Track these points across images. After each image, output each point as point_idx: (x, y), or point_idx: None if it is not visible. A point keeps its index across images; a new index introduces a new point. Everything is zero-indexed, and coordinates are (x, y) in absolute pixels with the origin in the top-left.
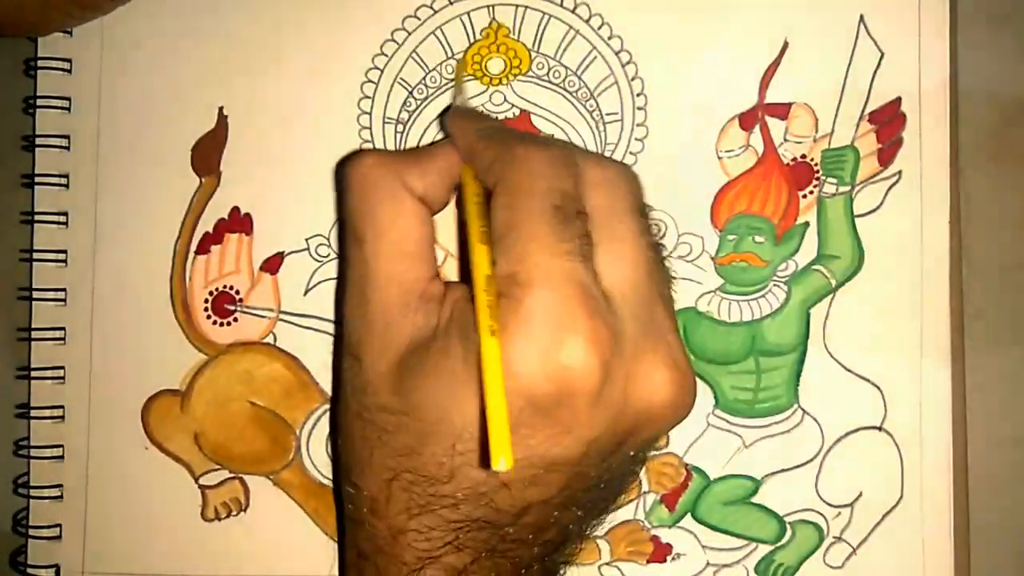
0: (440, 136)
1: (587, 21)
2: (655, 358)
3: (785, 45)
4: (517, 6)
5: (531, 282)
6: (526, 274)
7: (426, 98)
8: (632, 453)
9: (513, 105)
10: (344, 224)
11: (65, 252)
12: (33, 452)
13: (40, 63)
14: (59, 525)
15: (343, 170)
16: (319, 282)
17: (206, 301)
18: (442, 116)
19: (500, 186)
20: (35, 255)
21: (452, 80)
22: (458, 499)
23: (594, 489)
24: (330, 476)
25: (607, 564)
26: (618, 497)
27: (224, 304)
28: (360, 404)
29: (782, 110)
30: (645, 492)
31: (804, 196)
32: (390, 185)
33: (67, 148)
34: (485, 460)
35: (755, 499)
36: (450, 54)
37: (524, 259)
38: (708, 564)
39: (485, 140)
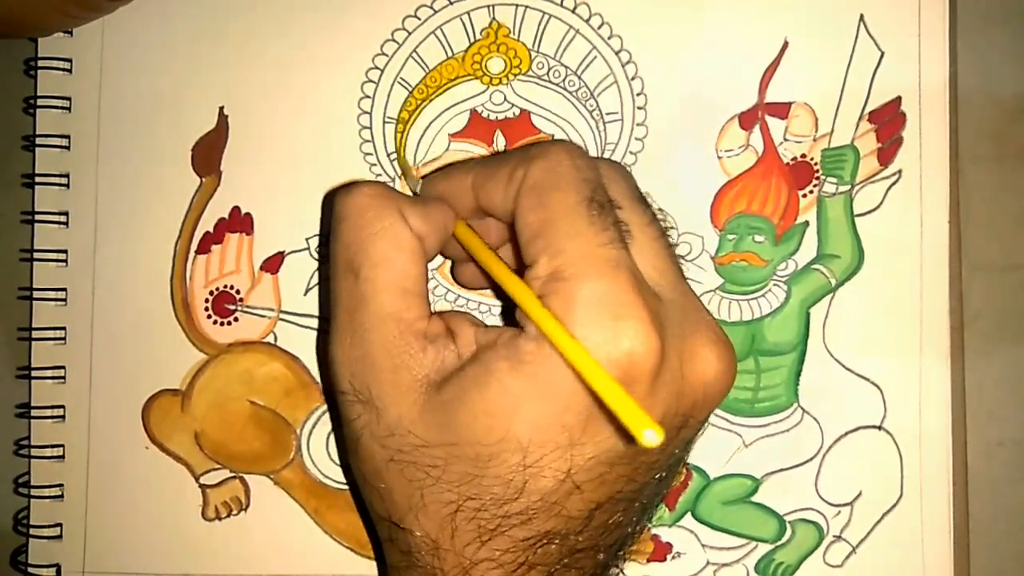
0: (441, 137)
1: (587, 21)
2: (701, 336)
3: (785, 44)
4: (517, 6)
5: (579, 274)
6: (572, 267)
7: (426, 98)
8: (688, 438)
9: (513, 105)
10: (330, 257)
11: (65, 252)
12: (33, 452)
13: (40, 63)
14: (60, 525)
15: (335, 199)
16: (319, 282)
17: (206, 301)
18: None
19: (525, 189)
20: (35, 255)
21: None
22: (529, 514)
23: (654, 481)
24: (331, 476)
25: None
26: (668, 489)
27: (224, 304)
28: (389, 450)
29: (782, 109)
30: None
31: (804, 196)
32: (391, 217)
33: (67, 148)
34: (629, 440)
35: (755, 498)
36: (450, 54)
37: (567, 253)
38: (708, 563)
39: (493, 162)
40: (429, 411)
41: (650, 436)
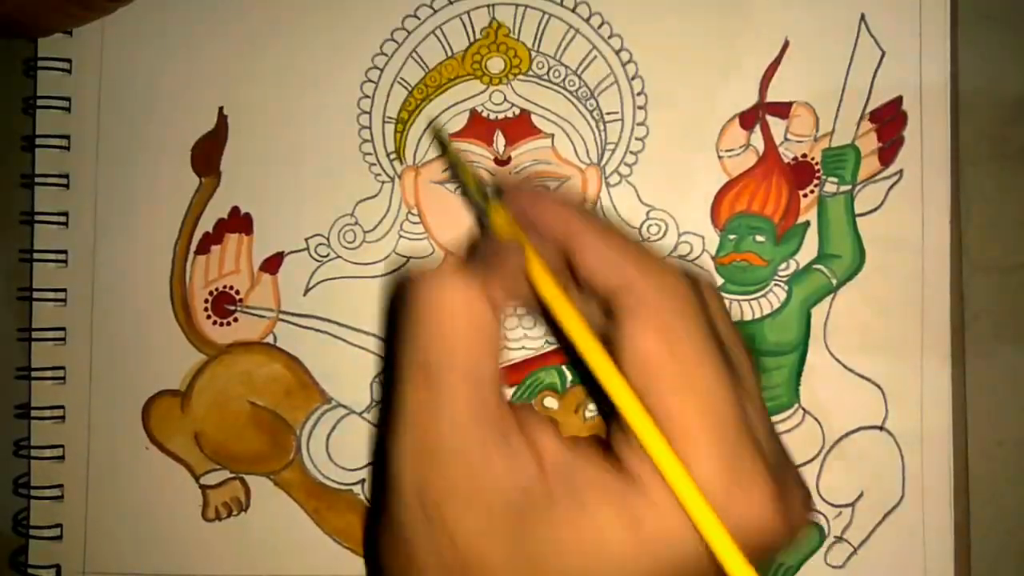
0: (441, 136)
1: (587, 20)
2: (796, 499)
3: (785, 44)
4: (517, 5)
5: (702, 429)
6: (695, 420)
7: (426, 98)
8: None
9: (513, 105)
10: (401, 351)
11: (65, 252)
12: (33, 452)
13: (40, 63)
14: (59, 525)
15: (413, 287)
16: (319, 282)
17: (206, 301)
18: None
19: (646, 311)
20: (35, 255)
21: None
22: None
23: None
24: (330, 477)
25: None
26: None
27: (224, 304)
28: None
29: (783, 109)
30: None
31: (805, 195)
32: (480, 310)
33: (67, 148)
34: None
35: None
36: (450, 53)
37: (690, 408)
38: None
39: (601, 231)
40: (504, 529)
41: None
